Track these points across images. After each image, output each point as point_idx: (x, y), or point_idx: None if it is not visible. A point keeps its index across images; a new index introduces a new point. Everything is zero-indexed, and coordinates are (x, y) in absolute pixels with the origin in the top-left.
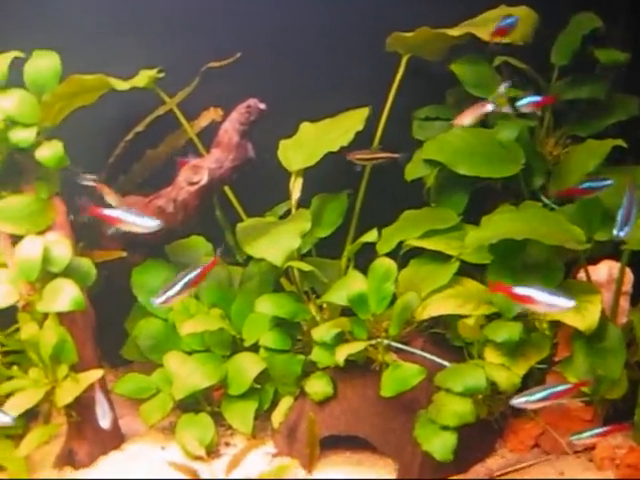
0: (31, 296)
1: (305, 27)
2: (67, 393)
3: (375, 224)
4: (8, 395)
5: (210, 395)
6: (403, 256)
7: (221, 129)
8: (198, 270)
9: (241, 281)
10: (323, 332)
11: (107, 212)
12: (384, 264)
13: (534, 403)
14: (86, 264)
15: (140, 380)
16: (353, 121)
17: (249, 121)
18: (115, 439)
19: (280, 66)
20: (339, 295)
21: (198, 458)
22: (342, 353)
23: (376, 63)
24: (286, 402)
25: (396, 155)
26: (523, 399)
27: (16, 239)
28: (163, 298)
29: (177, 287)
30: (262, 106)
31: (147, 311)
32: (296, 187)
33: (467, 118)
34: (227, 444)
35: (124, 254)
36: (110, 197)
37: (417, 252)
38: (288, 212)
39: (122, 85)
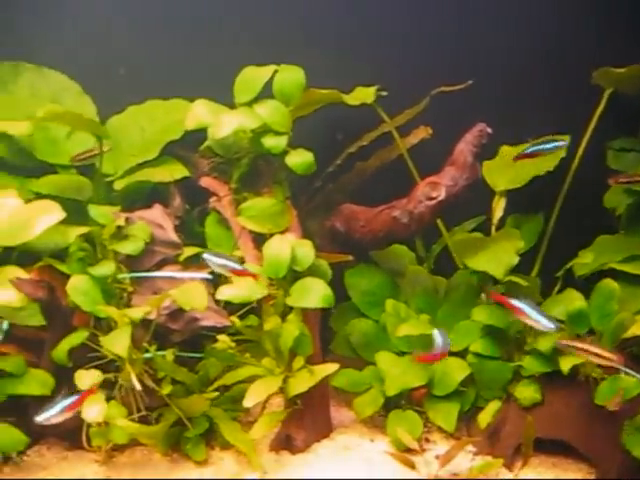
0: (277, 291)
1: (512, 55)
2: (301, 383)
3: (562, 246)
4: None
5: (410, 394)
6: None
7: (456, 149)
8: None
9: (446, 290)
10: (547, 343)
11: (513, 302)
12: (609, 285)
13: None
14: (323, 265)
15: (354, 375)
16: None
17: (480, 143)
18: (327, 428)
19: (485, 90)
20: (557, 310)
21: (407, 451)
22: (567, 364)
23: (575, 94)
24: (494, 405)
25: None
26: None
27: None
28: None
29: (56, 409)
30: (490, 130)
31: (359, 311)
32: (499, 206)
33: None
34: (427, 440)
35: (351, 258)
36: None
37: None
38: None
39: (353, 101)
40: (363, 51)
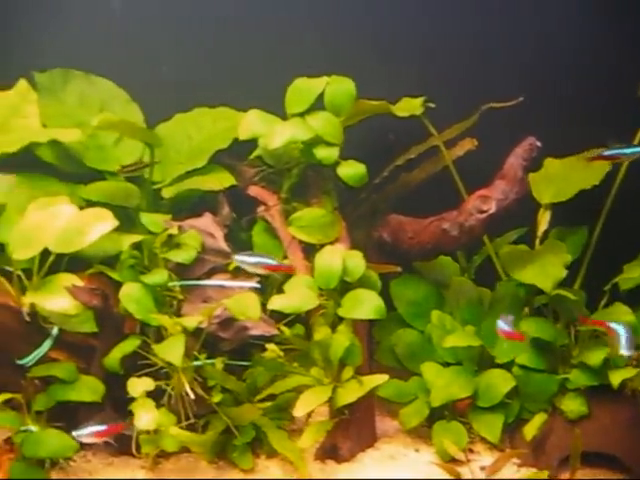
0: (327, 302)
1: (558, 69)
2: (350, 394)
3: (605, 259)
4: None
5: (453, 405)
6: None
7: (507, 163)
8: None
9: (491, 302)
10: (598, 357)
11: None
12: None
13: None
14: (373, 276)
15: (399, 385)
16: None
17: (530, 157)
18: (372, 438)
19: (531, 103)
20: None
21: (452, 462)
22: (617, 378)
23: (621, 108)
24: (540, 418)
25: None
26: None
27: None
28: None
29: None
30: (539, 144)
31: (404, 321)
32: (544, 219)
33: None
34: (471, 451)
35: (399, 269)
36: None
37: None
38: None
39: (401, 112)
40: (412, 63)
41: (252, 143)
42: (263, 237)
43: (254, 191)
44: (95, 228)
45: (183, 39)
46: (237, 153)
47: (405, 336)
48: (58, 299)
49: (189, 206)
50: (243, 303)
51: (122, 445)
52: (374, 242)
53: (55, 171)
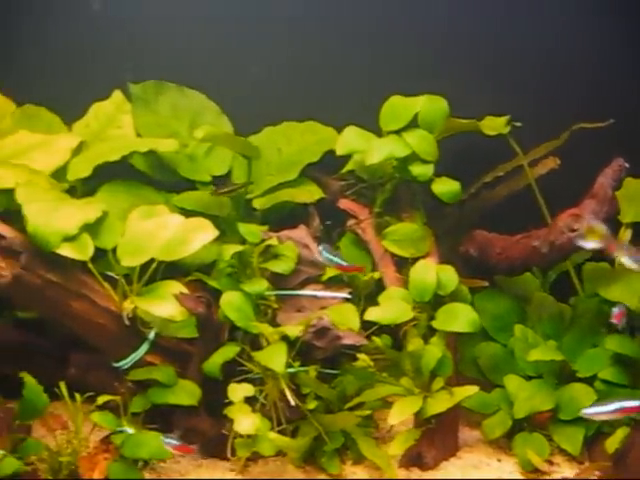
0: (420, 314)
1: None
2: (440, 404)
3: None
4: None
5: (533, 417)
6: None
7: (597, 183)
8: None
9: (572, 317)
10: None
11: None
12: None
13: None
14: (464, 289)
15: (483, 397)
16: None
17: (619, 178)
18: (454, 447)
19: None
20: None
21: (534, 472)
22: None
23: None
24: (622, 431)
25: None
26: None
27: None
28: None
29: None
30: (627, 165)
31: (486, 334)
32: (625, 237)
33: None
34: (551, 463)
35: (486, 284)
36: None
37: None
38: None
39: (489, 131)
40: (500, 81)
41: (331, 157)
42: (351, 249)
43: (344, 204)
44: (197, 238)
45: (273, 54)
46: (319, 166)
47: (488, 349)
48: (165, 305)
49: (279, 217)
50: (343, 313)
51: (211, 448)
52: (459, 257)
53: (146, 180)
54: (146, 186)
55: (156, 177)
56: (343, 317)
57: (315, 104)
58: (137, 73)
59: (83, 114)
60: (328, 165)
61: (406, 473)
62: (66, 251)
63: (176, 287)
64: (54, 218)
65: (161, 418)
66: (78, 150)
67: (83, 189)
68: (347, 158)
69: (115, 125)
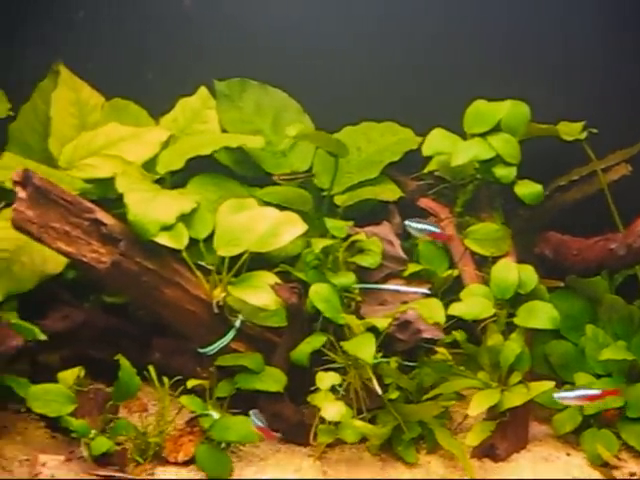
0: (500, 311)
1: None
2: (517, 397)
3: None
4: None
5: (600, 414)
6: None
7: None
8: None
9: None
10: None
11: None
12: None
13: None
14: (542, 288)
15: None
16: None
17: None
18: (524, 440)
19: None
20: None
21: (602, 467)
22: None
23: None
24: None
25: None
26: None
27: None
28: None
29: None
30: None
31: (557, 333)
32: None
33: None
34: (618, 458)
35: (562, 284)
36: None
37: None
38: None
39: (566, 136)
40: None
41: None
42: (429, 247)
43: (425, 203)
44: (288, 231)
45: (355, 55)
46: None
47: (559, 347)
48: (260, 294)
49: (359, 214)
50: (430, 307)
51: (291, 434)
52: (534, 257)
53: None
54: (232, 180)
55: (239, 172)
56: (430, 311)
57: (392, 105)
58: (217, 71)
59: (165, 108)
60: (400, 165)
61: (479, 463)
62: (163, 240)
63: (270, 278)
64: (152, 208)
65: (243, 404)
66: (166, 143)
67: (171, 181)
68: (425, 160)
69: (200, 120)
